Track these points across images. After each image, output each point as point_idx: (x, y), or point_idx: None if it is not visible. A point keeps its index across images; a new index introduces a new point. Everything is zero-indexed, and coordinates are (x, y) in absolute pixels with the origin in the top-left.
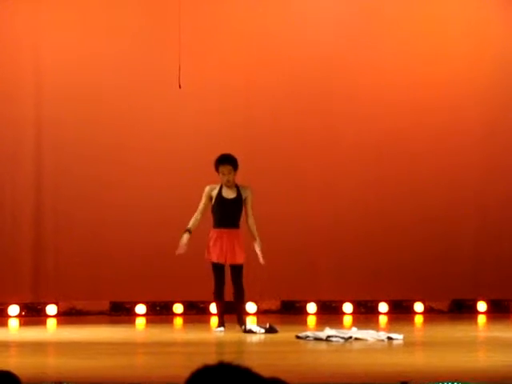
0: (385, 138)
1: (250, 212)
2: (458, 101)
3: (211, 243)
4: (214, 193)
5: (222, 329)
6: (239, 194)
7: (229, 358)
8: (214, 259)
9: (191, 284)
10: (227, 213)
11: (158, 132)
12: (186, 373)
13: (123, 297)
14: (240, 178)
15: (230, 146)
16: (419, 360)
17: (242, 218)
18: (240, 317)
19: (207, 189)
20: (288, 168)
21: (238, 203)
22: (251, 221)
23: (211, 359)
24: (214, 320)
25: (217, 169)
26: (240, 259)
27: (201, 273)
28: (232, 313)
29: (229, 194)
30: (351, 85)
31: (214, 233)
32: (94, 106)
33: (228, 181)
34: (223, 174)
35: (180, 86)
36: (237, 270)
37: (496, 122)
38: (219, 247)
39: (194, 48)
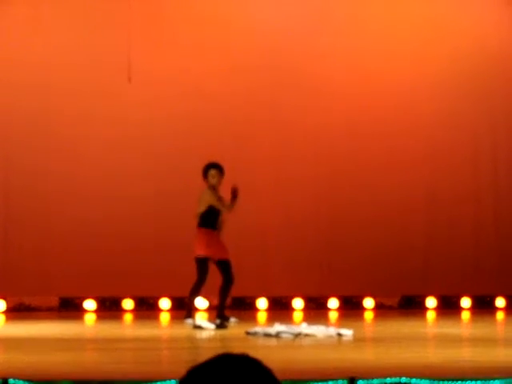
0: (336, 135)
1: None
2: (408, 96)
3: None
4: None
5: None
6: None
7: (179, 353)
8: None
9: (141, 280)
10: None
11: (109, 124)
12: (135, 368)
13: (72, 292)
14: (190, 172)
15: (182, 138)
16: (368, 356)
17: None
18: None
19: None
20: (238, 163)
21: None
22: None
23: (161, 355)
24: (165, 316)
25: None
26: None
27: (151, 269)
28: (185, 309)
29: None
30: (304, 77)
31: None
32: (43, 100)
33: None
34: (212, 177)
35: (129, 80)
36: (224, 264)
37: (446, 119)
38: None
39: (143, 41)
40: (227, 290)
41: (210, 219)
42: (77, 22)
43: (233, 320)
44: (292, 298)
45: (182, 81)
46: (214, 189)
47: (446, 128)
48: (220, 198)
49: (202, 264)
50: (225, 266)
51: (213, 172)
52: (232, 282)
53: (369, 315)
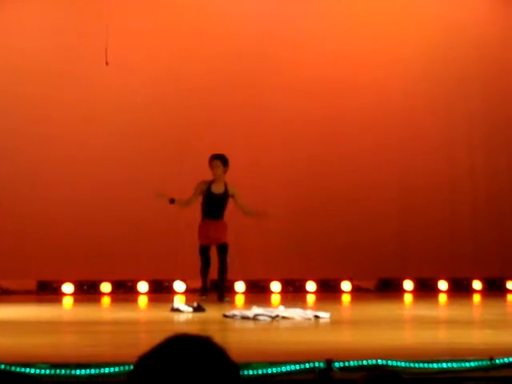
0: (311, 119)
1: (243, 204)
2: (381, 82)
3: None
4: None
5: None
6: (226, 191)
7: (157, 336)
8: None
9: (119, 263)
10: (215, 206)
11: (86, 108)
12: (113, 351)
13: (50, 276)
14: (169, 155)
15: (160, 122)
16: (345, 338)
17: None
18: (221, 291)
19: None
20: (213, 145)
21: (224, 198)
22: (246, 209)
23: (139, 338)
24: (143, 299)
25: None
26: (223, 239)
27: (129, 252)
28: (162, 292)
29: (217, 189)
30: (281, 63)
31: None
32: (20, 85)
33: (215, 173)
34: (216, 167)
35: (107, 63)
36: (220, 248)
37: (421, 105)
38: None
39: (121, 24)
40: (220, 272)
41: (203, 208)
42: (54, 5)
43: (227, 300)
44: (269, 281)
45: (160, 64)
46: (203, 183)
47: (422, 114)
48: (194, 194)
49: (200, 250)
50: (218, 251)
51: (213, 162)
52: (223, 265)
53: (346, 298)
